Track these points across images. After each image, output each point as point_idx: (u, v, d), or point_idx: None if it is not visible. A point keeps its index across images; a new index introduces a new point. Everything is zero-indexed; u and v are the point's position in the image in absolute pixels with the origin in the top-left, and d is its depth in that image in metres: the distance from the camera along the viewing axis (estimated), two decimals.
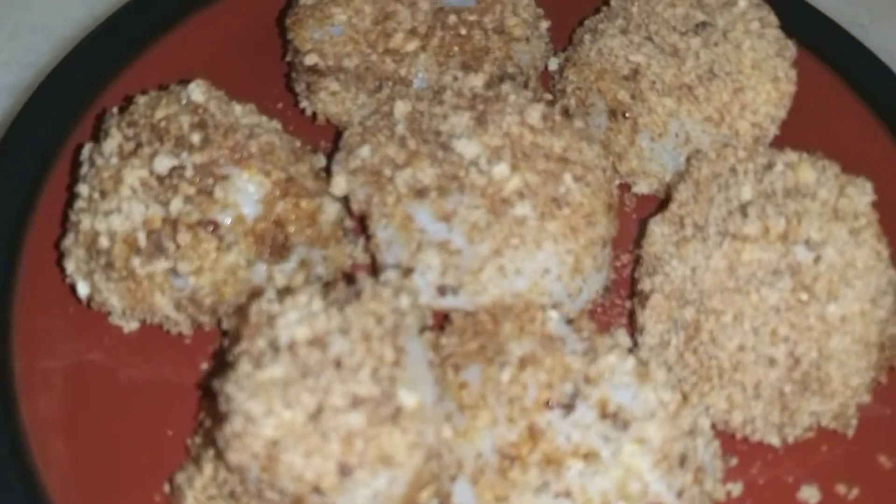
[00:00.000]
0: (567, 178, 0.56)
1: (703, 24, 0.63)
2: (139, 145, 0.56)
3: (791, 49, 0.62)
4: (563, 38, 0.72)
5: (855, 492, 0.54)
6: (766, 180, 0.57)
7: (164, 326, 0.56)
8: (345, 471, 0.43)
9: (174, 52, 0.69)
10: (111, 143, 0.56)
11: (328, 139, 0.68)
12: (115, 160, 0.55)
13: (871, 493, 0.54)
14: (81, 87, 0.65)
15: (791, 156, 0.58)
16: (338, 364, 0.45)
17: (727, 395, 0.53)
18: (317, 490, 0.43)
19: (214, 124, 0.57)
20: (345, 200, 0.60)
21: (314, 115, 0.67)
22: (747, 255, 0.53)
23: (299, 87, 0.66)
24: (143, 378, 0.56)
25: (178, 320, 0.55)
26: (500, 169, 0.56)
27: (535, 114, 0.58)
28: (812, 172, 0.56)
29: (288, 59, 0.67)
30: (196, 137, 0.56)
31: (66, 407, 0.54)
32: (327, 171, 0.62)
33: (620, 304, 0.62)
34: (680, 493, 0.46)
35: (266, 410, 0.44)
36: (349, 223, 0.61)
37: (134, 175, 0.54)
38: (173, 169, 0.55)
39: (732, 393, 0.53)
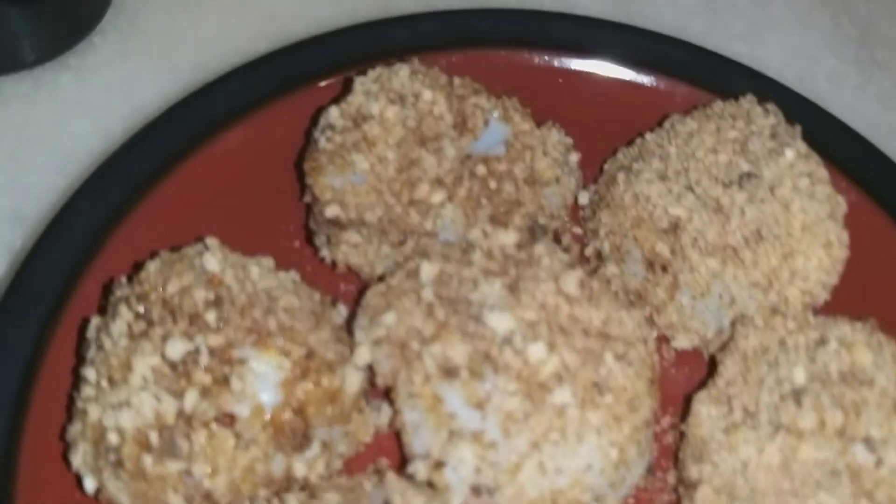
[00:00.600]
0: (608, 357, 0.53)
1: (749, 176, 0.60)
2: (150, 324, 0.52)
3: (842, 207, 0.59)
4: (594, 167, 0.69)
5: None
6: (820, 360, 0.53)
7: None
8: None
9: (188, 191, 0.65)
10: (120, 324, 0.52)
11: (350, 283, 0.64)
12: (124, 341, 0.52)
13: None
14: (87, 233, 0.61)
15: (845, 329, 0.55)
16: None
17: None
18: None
19: (230, 299, 0.53)
20: (368, 369, 0.56)
21: (334, 263, 0.63)
22: (803, 453, 0.49)
23: (319, 239, 0.63)
24: None
25: None
26: (537, 349, 0.52)
27: (571, 281, 0.55)
28: (868, 354, 0.53)
29: (306, 200, 0.64)
30: (211, 317, 0.52)
31: None
32: (348, 326, 0.59)
33: (661, 475, 0.58)
34: None
35: None
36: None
37: (145, 363, 0.50)
38: (187, 354, 0.51)
39: None
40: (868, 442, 0.49)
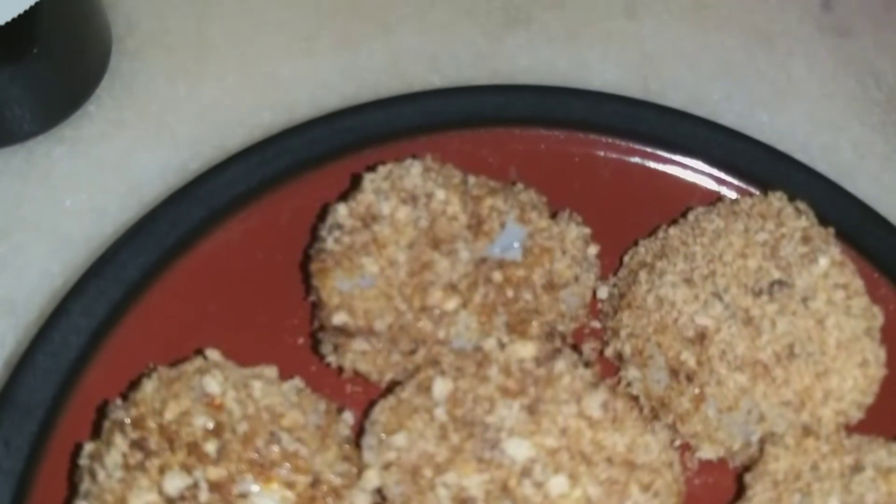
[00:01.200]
0: (634, 489, 0.50)
1: (780, 284, 0.56)
2: (147, 454, 0.49)
3: (879, 319, 0.56)
4: (613, 256, 0.66)
5: None
6: (856, 490, 0.50)
7: None
8: None
9: (186, 282, 0.62)
10: (115, 454, 0.49)
11: (357, 385, 0.61)
12: (119, 473, 0.49)
13: None
14: (80, 339, 0.58)
15: (881, 454, 0.52)
16: None
17: None
18: None
19: (231, 427, 0.50)
20: (377, 493, 0.53)
21: (340, 368, 0.60)
22: None
23: (325, 347, 0.60)
24: None
25: None
26: (558, 482, 0.49)
27: (595, 404, 0.52)
28: None
29: (312, 299, 0.61)
30: (211, 447, 0.49)
31: None
32: (356, 434, 0.56)
33: None
34: None
35: None
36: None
37: (142, 500, 0.47)
38: (186, 488, 0.48)
39: None
40: None
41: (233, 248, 0.64)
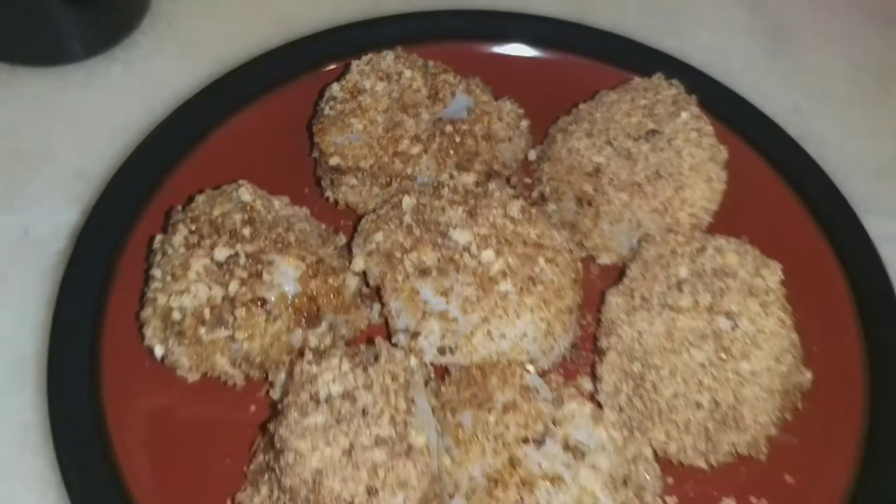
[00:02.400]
0: (541, 260, 0.71)
1: (653, 132, 0.78)
2: (201, 237, 0.70)
3: (723, 154, 0.78)
4: (542, 132, 0.88)
5: (764, 502, 0.68)
6: (699, 262, 0.72)
7: (221, 379, 0.70)
8: (371, 492, 0.57)
9: (222, 151, 0.84)
10: (179, 237, 0.70)
11: (347, 220, 0.83)
12: (182, 250, 0.70)
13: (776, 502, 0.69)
14: (146, 183, 0.80)
15: (720, 241, 0.73)
16: (364, 412, 0.60)
17: (665, 430, 0.67)
18: None
19: (260, 220, 0.72)
20: (363, 275, 0.75)
21: (336, 202, 0.81)
22: (681, 323, 0.68)
23: (325, 182, 0.81)
24: (204, 418, 0.71)
25: (233, 374, 0.69)
26: (487, 254, 0.70)
27: (515, 208, 0.73)
28: (735, 257, 0.71)
29: (314, 155, 0.82)
30: (247, 231, 0.70)
31: (148, 440, 0.68)
32: (347, 249, 0.77)
33: (587, 355, 0.76)
34: None
35: (311, 448, 0.58)
36: (366, 291, 0.76)
37: (199, 263, 0.69)
38: (229, 257, 0.69)
39: (669, 429, 0.67)
40: (728, 315, 0.67)
41: (259, 122, 0.86)
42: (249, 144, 0.84)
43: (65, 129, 0.92)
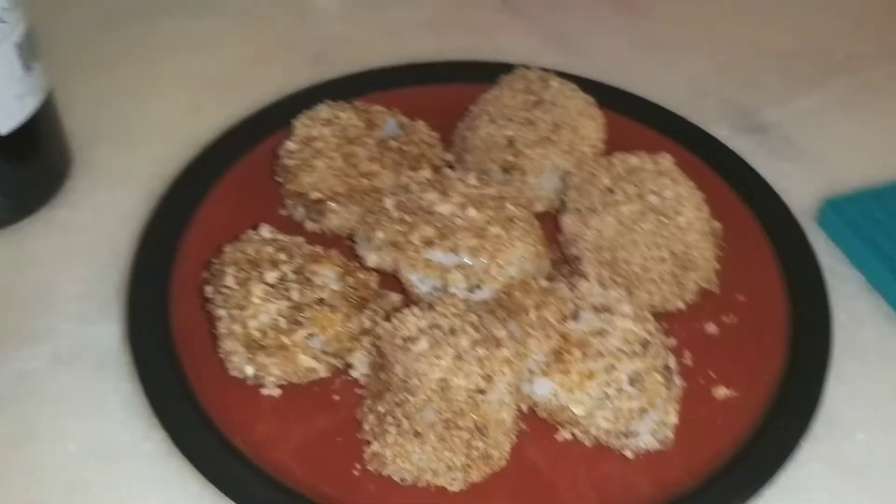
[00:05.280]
0: (508, 205, 0.91)
1: (538, 102, 1.02)
2: (248, 272, 0.84)
3: (591, 99, 1.03)
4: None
5: (733, 317, 0.92)
6: (613, 171, 0.95)
7: (307, 378, 0.83)
8: (487, 379, 0.73)
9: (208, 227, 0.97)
10: (229, 279, 0.83)
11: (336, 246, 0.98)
12: (236, 287, 0.83)
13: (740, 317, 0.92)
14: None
15: (619, 155, 0.97)
16: (452, 331, 0.76)
17: (647, 289, 0.89)
18: (480, 392, 0.72)
19: (286, 246, 0.86)
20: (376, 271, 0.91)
21: (323, 232, 0.97)
22: (624, 210, 0.90)
23: (308, 221, 0.97)
24: (302, 419, 0.83)
25: (317, 368, 0.82)
26: (471, 212, 0.90)
27: (472, 178, 0.94)
28: (636, 159, 0.95)
29: (289, 201, 0.98)
30: (283, 256, 0.85)
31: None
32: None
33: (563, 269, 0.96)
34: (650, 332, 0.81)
35: (429, 365, 0.73)
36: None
37: (258, 289, 0.82)
38: (279, 278, 0.83)
39: (649, 287, 0.89)
40: (653, 193, 0.91)
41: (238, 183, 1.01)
42: (230, 214, 0.98)
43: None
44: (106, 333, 0.91)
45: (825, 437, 0.86)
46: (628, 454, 0.80)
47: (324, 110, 1.00)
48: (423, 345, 0.75)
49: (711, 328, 0.92)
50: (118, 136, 1.14)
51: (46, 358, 0.89)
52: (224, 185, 1.01)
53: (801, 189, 1.09)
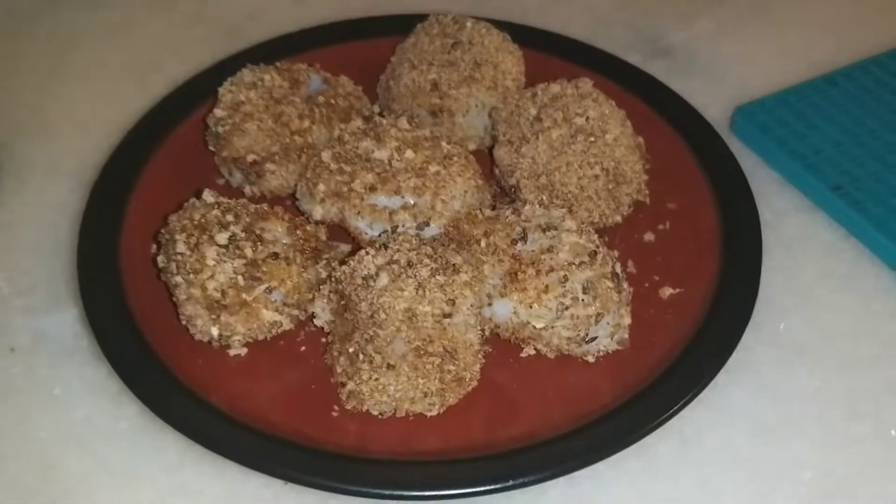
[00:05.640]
0: (443, 144, 0.94)
1: (456, 44, 1.05)
2: (198, 237, 0.84)
3: (505, 33, 1.06)
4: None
5: (668, 223, 0.97)
6: (537, 100, 0.99)
7: (272, 332, 0.84)
8: (450, 303, 0.76)
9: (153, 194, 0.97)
10: (180, 245, 0.83)
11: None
12: (188, 252, 0.83)
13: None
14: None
15: (541, 85, 1.01)
16: (409, 264, 0.78)
17: (585, 207, 0.93)
18: (446, 316, 0.75)
19: (231, 207, 0.87)
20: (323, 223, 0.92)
21: (262, 194, 0.98)
22: (554, 135, 0.94)
23: (247, 190, 0.97)
24: (274, 374, 0.84)
25: (281, 320, 0.83)
26: (409, 154, 0.92)
27: (404, 122, 0.96)
28: (557, 87, 0.99)
29: (225, 170, 0.98)
30: (229, 217, 0.85)
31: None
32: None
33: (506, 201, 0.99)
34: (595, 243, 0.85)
35: (392, 297, 0.75)
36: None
37: (210, 251, 0.82)
38: (230, 238, 0.83)
39: (587, 205, 0.93)
40: (578, 114, 0.94)
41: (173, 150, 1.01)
42: (167, 190, 0.98)
43: None
44: (60, 322, 0.90)
45: (765, 321, 0.92)
46: (590, 359, 0.84)
47: (247, 74, 1.00)
48: (384, 280, 0.77)
49: (649, 236, 0.96)
50: (38, 132, 1.11)
51: (2, 353, 0.88)
52: (157, 163, 1.00)
53: (711, 102, 1.15)
